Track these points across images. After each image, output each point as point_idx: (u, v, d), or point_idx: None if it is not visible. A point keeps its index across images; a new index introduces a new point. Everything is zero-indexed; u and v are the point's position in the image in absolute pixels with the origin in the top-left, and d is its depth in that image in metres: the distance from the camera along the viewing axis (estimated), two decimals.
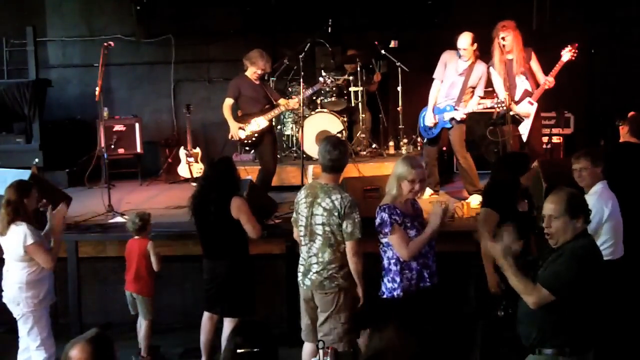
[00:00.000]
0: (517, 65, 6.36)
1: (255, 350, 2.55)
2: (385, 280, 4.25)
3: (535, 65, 6.38)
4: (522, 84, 6.41)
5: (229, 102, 6.74)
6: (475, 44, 6.45)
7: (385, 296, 4.24)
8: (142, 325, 5.45)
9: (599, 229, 4.28)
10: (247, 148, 7.10)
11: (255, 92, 6.77)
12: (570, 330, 3.35)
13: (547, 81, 6.28)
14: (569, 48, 6.26)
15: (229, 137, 6.84)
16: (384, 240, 4.21)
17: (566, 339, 3.36)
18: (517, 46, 6.33)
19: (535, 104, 6.35)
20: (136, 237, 5.41)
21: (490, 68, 6.46)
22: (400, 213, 4.16)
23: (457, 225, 5.82)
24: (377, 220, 4.17)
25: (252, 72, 6.69)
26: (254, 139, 6.74)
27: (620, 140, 5.41)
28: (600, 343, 3.58)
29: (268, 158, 6.78)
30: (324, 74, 7.53)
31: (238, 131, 6.71)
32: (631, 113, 5.62)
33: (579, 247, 3.37)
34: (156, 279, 5.47)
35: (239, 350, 2.56)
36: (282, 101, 6.89)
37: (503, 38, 6.23)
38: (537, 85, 6.38)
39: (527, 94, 6.41)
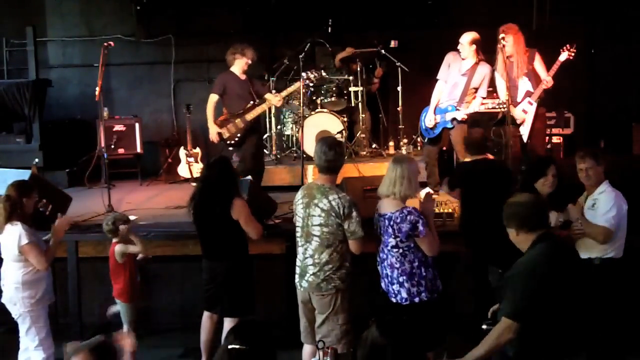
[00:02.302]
0: (519, 67, 6.36)
1: (244, 347, 2.55)
2: (406, 285, 4.15)
3: (539, 66, 6.38)
4: (524, 85, 6.40)
5: (214, 98, 6.70)
6: (475, 45, 6.44)
7: (408, 302, 4.16)
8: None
9: (621, 222, 4.34)
10: (230, 148, 7.05)
11: (241, 89, 6.74)
12: (550, 340, 3.22)
13: (545, 81, 6.29)
14: (566, 47, 6.26)
15: (210, 139, 6.80)
16: (404, 245, 4.14)
17: (547, 349, 3.23)
18: (518, 49, 6.33)
19: (535, 104, 6.35)
20: (114, 240, 5.25)
21: (495, 72, 6.45)
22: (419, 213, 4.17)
23: (457, 225, 5.82)
24: (406, 225, 4.07)
25: (243, 64, 6.68)
26: (237, 138, 6.71)
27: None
28: (592, 345, 3.54)
29: (248, 160, 6.72)
30: (315, 71, 7.41)
31: (216, 135, 6.68)
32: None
33: (521, 263, 3.24)
34: (142, 285, 5.40)
35: (229, 346, 2.57)
36: (268, 96, 6.83)
37: (503, 39, 6.23)
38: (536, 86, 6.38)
39: (528, 95, 6.41)
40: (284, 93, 6.97)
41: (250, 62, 6.73)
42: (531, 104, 6.35)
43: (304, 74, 7.07)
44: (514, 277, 3.20)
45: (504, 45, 6.25)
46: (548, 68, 6.35)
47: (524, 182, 4.73)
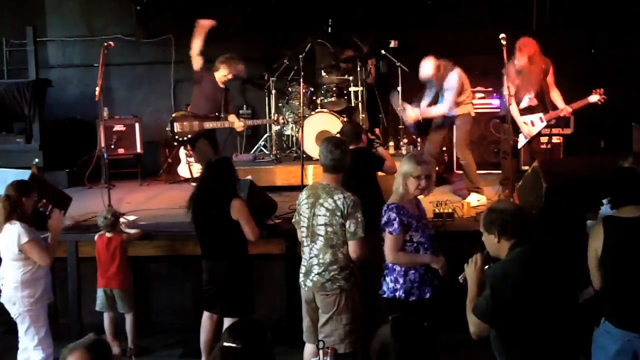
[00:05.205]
0: (528, 83, 6.39)
1: (237, 346, 2.55)
2: (387, 279, 4.23)
3: (550, 79, 6.43)
4: (528, 100, 6.46)
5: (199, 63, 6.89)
6: (435, 71, 6.55)
7: (386, 295, 4.23)
8: (127, 320, 5.56)
9: None
10: (175, 143, 7.27)
11: (213, 94, 6.95)
12: (536, 345, 3.14)
13: (565, 110, 6.40)
14: (599, 91, 6.35)
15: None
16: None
17: (535, 354, 3.16)
18: (530, 69, 6.35)
19: (545, 123, 6.47)
20: (107, 234, 5.47)
21: (509, 66, 6.39)
22: (407, 213, 4.16)
23: (457, 225, 5.83)
24: (384, 219, 4.15)
25: (223, 74, 6.90)
26: (186, 138, 6.95)
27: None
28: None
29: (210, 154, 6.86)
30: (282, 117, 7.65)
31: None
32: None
33: (492, 271, 3.20)
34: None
35: (225, 344, 2.57)
36: (232, 118, 6.98)
37: (516, 57, 6.28)
38: (545, 101, 6.41)
39: (530, 109, 6.48)
40: (250, 122, 7.31)
41: (231, 76, 6.95)
42: (542, 121, 6.44)
43: (274, 116, 7.54)
44: (489, 279, 3.18)
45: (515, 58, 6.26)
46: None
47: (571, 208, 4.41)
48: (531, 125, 6.47)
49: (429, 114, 6.71)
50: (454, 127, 6.88)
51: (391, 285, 4.20)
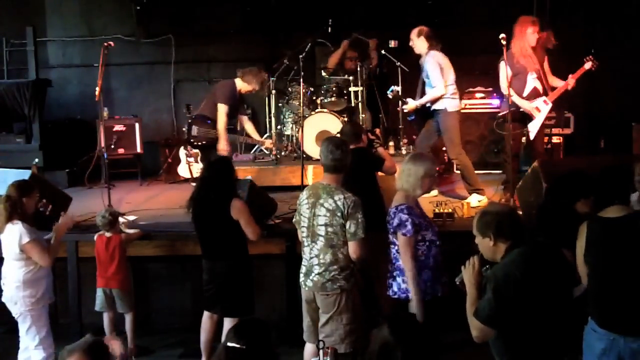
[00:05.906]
0: (533, 62, 6.33)
1: (242, 347, 2.55)
2: (398, 280, 4.19)
3: (546, 66, 6.42)
4: (533, 82, 6.39)
5: (225, 109, 6.95)
6: (423, 36, 6.57)
7: (397, 296, 4.20)
8: (127, 320, 5.54)
9: None
10: (188, 145, 7.40)
11: (235, 110, 7.16)
12: (537, 345, 3.15)
13: (568, 82, 6.36)
14: (590, 57, 6.39)
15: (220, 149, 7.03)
16: (397, 241, 4.16)
17: (536, 354, 3.17)
18: (539, 44, 6.36)
19: (550, 105, 6.37)
20: (107, 234, 5.45)
21: (502, 62, 6.34)
22: (416, 213, 4.16)
23: (457, 225, 5.83)
24: (395, 221, 4.10)
25: (246, 88, 7.06)
26: (201, 143, 7.07)
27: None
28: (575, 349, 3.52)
29: None
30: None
31: (227, 147, 7.02)
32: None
33: (493, 273, 3.18)
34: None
35: (228, 344, 2.58)
36: (252, 131, 7.42)
37: (532, 33, 6.26)
38: (547, 86, 6.39)
39: (535, 92, 6.38)
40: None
41: (252, 92, 7.17)
42: (547, 103, 6.37)
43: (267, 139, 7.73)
44: (490, 282, 3.16)
45: (529, 40, 6.26)
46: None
47: (558, 201, 4.33)
48: (537, 111, 6.41)
49: (426, 100, 6.66)
50: (440, 127, 6.69)
51: (403, 286, 4.16)
